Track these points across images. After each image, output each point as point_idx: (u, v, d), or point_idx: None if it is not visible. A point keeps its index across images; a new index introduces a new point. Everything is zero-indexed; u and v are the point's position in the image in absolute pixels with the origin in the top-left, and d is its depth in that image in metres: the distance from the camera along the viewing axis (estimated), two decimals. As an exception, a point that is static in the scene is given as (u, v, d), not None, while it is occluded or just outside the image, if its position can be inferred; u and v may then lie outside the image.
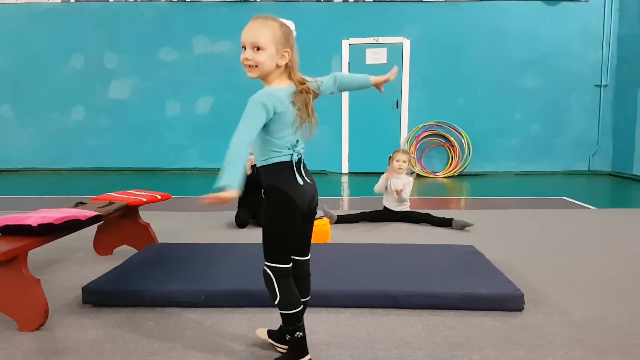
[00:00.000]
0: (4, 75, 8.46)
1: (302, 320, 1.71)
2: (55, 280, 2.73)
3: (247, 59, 1.64)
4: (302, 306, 1.71)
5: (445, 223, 4.08)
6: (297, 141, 1.70)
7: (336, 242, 3.56)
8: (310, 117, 1.69)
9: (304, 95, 1.68)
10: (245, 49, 1.65)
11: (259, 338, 2.02)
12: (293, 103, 1.66)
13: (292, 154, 1.68)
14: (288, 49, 1.67)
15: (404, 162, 4.25)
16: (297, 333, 1.69)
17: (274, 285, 1.69)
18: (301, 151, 1.72)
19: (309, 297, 1.85)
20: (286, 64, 1.68)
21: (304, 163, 1.75)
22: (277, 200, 1.68)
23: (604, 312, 2.28)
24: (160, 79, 8.38)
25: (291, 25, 1.70)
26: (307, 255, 1.84)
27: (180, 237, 3.68)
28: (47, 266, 3.00)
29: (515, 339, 2.00)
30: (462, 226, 3.97)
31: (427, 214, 4.22)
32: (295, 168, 1.69)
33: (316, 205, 1.81)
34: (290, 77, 1.71)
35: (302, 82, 1.71)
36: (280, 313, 1.71)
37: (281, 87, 1.68)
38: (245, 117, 1.59)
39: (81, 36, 8.36)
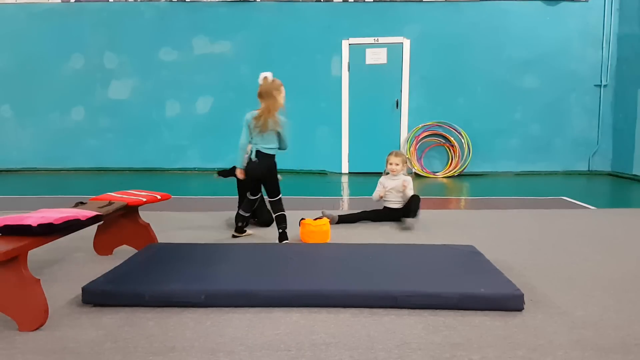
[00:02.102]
0: (4, 75, 8.46)
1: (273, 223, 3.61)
2: (55, 280, 2.73)
3: None
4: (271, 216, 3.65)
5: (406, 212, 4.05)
6: (257, 140, 3.38)
7: (336, 242, 3.56)
8: (267, 128, 3.32)
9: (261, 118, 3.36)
10: None
11: None
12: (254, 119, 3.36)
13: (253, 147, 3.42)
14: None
15: (397, 164, 4.22)
16: (283, 226, 3.50)
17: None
18: (258, 146, 3.35)
19: (278, 213, 3.53)
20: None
21: (260, 153, 3.36)
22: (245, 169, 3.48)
23: (604, 312, 2.28)
24: (160, 79, 8.38)
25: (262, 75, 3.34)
26: (274, 197, 3.51)
27: (180, 237, 3.68)
28: (47, 266, 3.00)
29: (515, 339, 2.00)
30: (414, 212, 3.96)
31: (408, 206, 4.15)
32: (251, 154, 3.40)
33: (264, 175, 3.43)
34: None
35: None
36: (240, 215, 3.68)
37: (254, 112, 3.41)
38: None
39: (81, 36, 8.36)
